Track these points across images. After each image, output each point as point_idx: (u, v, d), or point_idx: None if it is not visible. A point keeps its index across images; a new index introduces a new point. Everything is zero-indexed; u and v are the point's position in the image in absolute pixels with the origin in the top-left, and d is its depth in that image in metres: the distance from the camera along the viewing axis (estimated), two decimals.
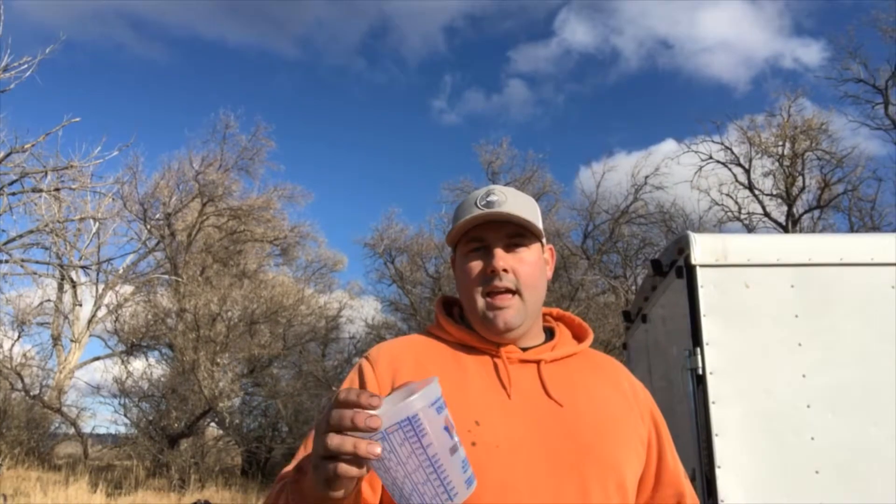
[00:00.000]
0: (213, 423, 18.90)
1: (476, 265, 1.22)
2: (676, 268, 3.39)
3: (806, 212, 19.43)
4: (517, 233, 1.22)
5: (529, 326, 1.24)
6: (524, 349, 1.22)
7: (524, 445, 1.10)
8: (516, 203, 1.23)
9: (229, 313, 18.29)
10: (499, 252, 1.20)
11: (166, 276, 20.60)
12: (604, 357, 1.34)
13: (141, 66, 37.68)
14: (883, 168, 24.37)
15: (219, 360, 17.28)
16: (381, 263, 22.27)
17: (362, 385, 1.16)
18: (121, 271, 20.57)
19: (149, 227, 21.02)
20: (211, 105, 44.08)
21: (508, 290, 1.20)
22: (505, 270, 1.19)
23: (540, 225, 1.26)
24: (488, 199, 1.22)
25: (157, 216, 21.33)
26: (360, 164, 42.90)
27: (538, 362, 1.20)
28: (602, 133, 37.77)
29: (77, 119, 13.39)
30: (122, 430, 19.53)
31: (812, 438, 2.93)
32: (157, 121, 38.60)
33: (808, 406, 2.98)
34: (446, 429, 0.84)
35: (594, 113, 36.85)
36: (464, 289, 1.24)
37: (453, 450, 0.84)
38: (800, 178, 19.47)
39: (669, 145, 35.69)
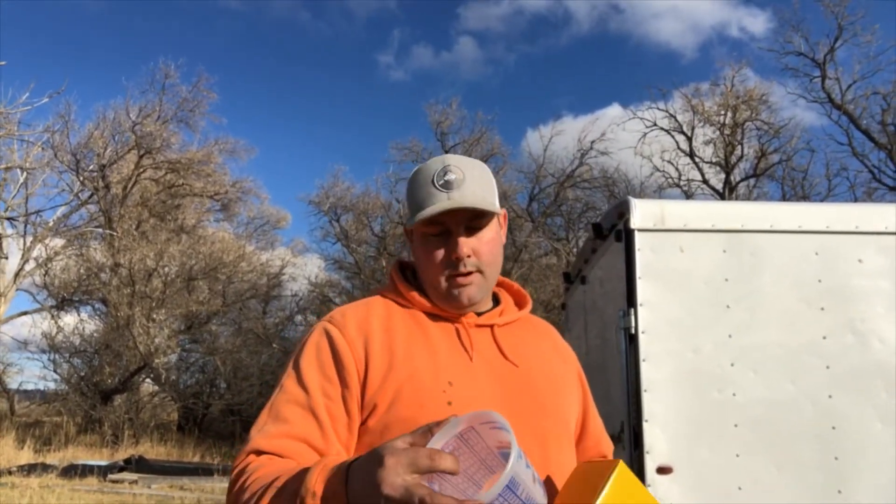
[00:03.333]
0: (148, 379, 18.56)
1: (439, 251, 1.20)
2: (616, 231, 3.45)
3: (742, 180, 20.08)
4: (477, 214, 1.20)
5: (486, 296, 1.27)
6: (478, 314, 1.26)
7: (491, 404, 1.14)
8: (473, 182, 1.21)
9: (166, 269, 17.82)
10: (462, 240, 1.19)
11: (100, 230, 19.86)
12: (541, 321, 1.40)
13: (73, 7, 35.55)
14: (816, 140, 25.34)
15: (155, 316, 16.88)
16: (325, 221, 22.03)
17: (335, 352, 1.15)
18: (51, 224, 19.66)
19: (81, 178, 20.10)
20: (150, 54, 42.14)
21: (470, 272, 1.21)
22: (468, 256, 1.20)
23: (496, 198, 1.26)
24: (446, 178, 1.19)
25: (91, 167, 20.41)
26: (306, 120, 41.96)
27: (492, 326, 1.24)
28: (551, 95, 37.90)
29: (2, 62, 12.63)
30: (52, 386, 19.01)
31: (734, 395, 3.07)
32: (91, 68, 36.65)
33: (732, 364, 3.11)
34: (527, 465, 0.81)
35: (544, 75, 36.85)
36: (425, 270, 1.23)
37: (534, 478, 0.82)
38: (739, 146, 20.05)
39: (615, 110, 36.16)
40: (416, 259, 1.27)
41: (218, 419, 20.26)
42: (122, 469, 11.73)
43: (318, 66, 40.61)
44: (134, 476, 11.26)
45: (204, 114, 22.24)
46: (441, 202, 1.17)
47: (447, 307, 1.22)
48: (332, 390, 1.12)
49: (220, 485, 10.87)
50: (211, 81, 22.37)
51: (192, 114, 21.93)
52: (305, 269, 23.00)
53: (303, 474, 0.90)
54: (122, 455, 13.48)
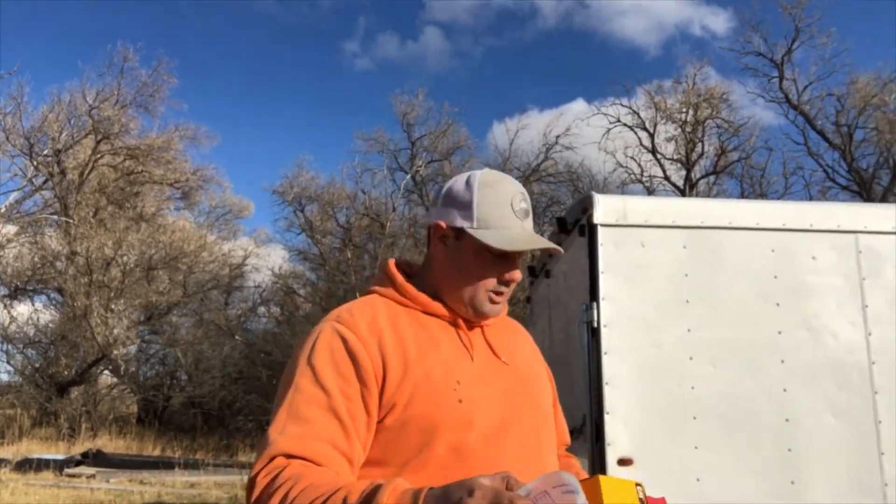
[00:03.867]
0: (106, 371, 18.18)
1: (493, 270, 1.25)
2: (580, 226, 3.49)
3: (703, 177, 20.47)
4: None
5: None
6: None
7: (495, 402, 1.21)
8: (531, 214, 1.30)
9: (125, 258, 17.45)
10: (517, 269, 1.26)
11: (55, 217, 19.35)
12: (512, 320, 1.44)
13: None
14: (774, 139, 25.98)
15: (113, 307, 16.52)
16: (289, 211, 21.76)
17: (350, 352, 1.15)
18: (3, 210, 19.07)
19: (35, 163, 19.54)
20: (107, 36, 40.76)
21: (505, 292, 1.29)
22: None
23: None
24: (521, 205, 1.26)
25: (45, 152, 19.85)
26: (270, 107, 41.20)
27: (482, 327, 1.29)
28: (517, 89, 37.95)
29: None
30: (5, 377, 18.47)
31: (692, 388, 3.14)
32: (45, 49, 35.36)
33: (691, 358, 3.18)
34: None
35: (510, 68, 36.88)
36: (467, 280, 1.25)
37: None
38: (699, 144, 20.43)
39: (580, 105, 36.39)
40: (456, 264, 1.26)
41: (179, 412, 19.96)
42: (79, 463, 11.48)
43: (282, 53, 39.96)
44: (91, 470, 11.03)
45: (164, 99, 21.79)
46: (521, 233, 1.24)
47: (468, 314, 1.26)
48: (350, 391, 1.13)
49: (181, 478, 10.72)
50: (171, 66, 21.82)
51: (152, 99, 21.47)
52: (269, 259, 22.71)
53: (372, 493, 0.91)
54: (79, 449, 13.20)
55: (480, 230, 1.22)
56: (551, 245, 1.27)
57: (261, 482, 1.02)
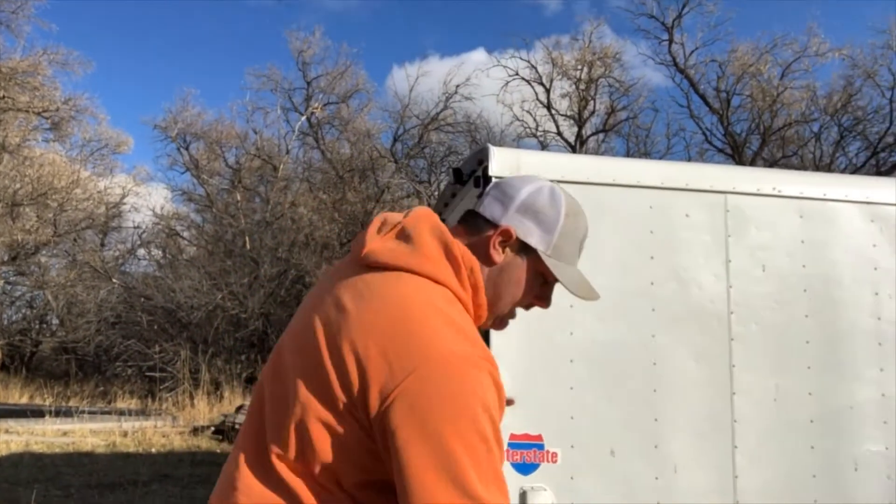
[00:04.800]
0: None
1: (530, 294, 1.22)
2: (475, 178, 3.55)
3: (593, 134, 21.22)
4: None
5: None
6: None
7: None
8: None
9: None
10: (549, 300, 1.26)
11: None
12: None
13: None
14: (660, 100, 27.29)
15: None
16: (173, 148, 20.66)
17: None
18: None
19: None
20: None
21: None
22: None
23: None
24: (583, 244, 1.28)
25: None
26: (152, 34, 38.36)
27: None
28: (418, 33, 37.39)
29: None
30: None
31: (571, 334, 3.34)
32: None
33: (572, 306, 3.36)
34: None
35: (412, 11, 36.19)
36: (510, 294, 1.21)
37: None
38: (591, 102, 21.09)
39: (481, 55, 36.48)
40: (507, 275, 1.19)
41: (50, 357, 18.85)
42: None
43: None
44: None
45: (29, 17, 19.68)
46: (581, 276, 1.24)
47: (484, 321, 1.21)
48: None
49: (52, 426, 10.20)
50: None
51: (15, 16, 19.33)
52: (149, 199, 21.63)
53: None
54: None
55: (553, 260, 1.19)
56: (596, 295, 1.24)
57: None
